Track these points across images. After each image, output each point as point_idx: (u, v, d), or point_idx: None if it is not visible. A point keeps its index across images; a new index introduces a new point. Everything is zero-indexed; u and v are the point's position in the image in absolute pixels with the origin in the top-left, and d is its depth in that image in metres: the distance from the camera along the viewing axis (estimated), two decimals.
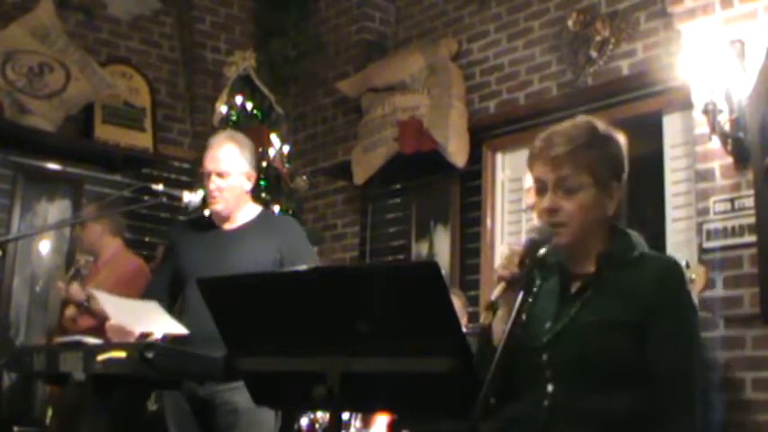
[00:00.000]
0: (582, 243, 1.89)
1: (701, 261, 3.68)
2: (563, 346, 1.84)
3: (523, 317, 1.82)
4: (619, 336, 1.80)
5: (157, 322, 3.03)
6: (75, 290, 4.14)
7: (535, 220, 2.84)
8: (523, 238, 1.94)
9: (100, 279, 4.37)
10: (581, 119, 1.96)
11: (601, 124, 1.95)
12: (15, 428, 4.78)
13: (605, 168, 1.90)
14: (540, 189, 1.90)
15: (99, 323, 4.07)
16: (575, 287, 1.90)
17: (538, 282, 1.95)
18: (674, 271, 1.89)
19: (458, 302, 4.41)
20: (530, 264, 1.81)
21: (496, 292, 1.80)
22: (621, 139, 1.97)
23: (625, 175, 1.96)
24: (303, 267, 3.33)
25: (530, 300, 1.86)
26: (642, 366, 1.79)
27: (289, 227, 3.48)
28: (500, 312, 1.86)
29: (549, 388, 1.83)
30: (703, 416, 1.85)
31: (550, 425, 1.82)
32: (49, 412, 4.45)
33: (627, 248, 1.92)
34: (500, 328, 1.85)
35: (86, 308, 4.14)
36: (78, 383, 2.86)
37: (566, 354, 1.83)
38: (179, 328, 3.03)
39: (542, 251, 1.84)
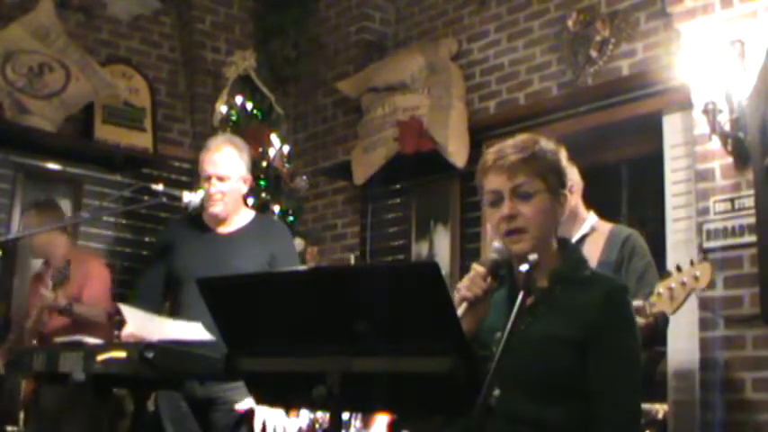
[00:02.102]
0: (540, 253, 1.93)
1: (704, 260, 3.68)
2: (510, 356, 1.86)
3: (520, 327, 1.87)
4: (562, 351, 1.89)
5: (183, 334, 2.98)
6: (61, 297, 4.09)
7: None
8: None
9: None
10: (525, 136, 2.06)
11: (542, 139, 2.05)
12: (8, 428, 4.76)
13: (554, 176, 1.99)
14: (495, 201, 1.98)
15: (72, 322, 4.07)
16: (527, 301, 1.93)
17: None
18: (620, 294, 1.97)
19: None
20: (492, 283, 1.92)
21: (459, 311, 1.86)
22: (562, 152, 2.08)
23: (570, 185, 2.09)
24: (303, 267, 3.34)
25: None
26: (581, 382, 1.88)
27: (280, 232, 3.50)
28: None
29: (496, 392, 1.85)
30: None
31: (486, 428, 1.85)
32: (22, 415, 4.39)
33: (578, 266, 2.02)
34: None
35: (69, 311, 4.11)
36: (76, 384, 2.84)
37: (511, 364, 1.85)
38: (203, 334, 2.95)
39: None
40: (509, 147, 1.99)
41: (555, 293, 1.96)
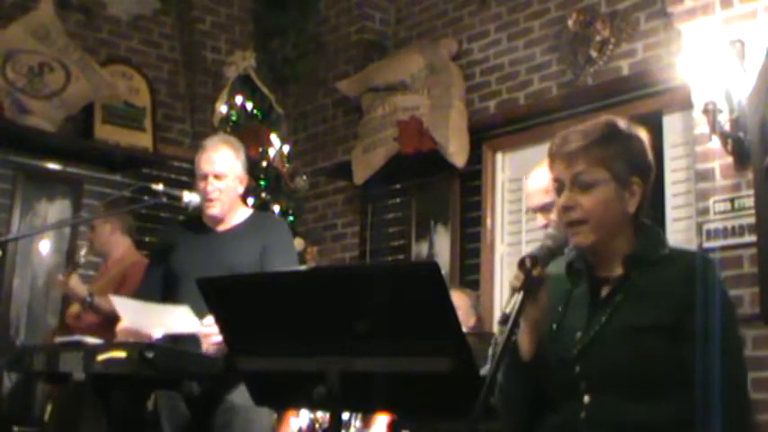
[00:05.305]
0: (606, 243, 1.83)
1: None
2: (595, 355, 1.78)
3: (554, 326, 1.83)
4: (651, 340, 1.74)
5: (176, 323, 2.99)
6: (75, 283, 4.12)
7: (538, 221, 2.84)
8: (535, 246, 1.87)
9: (109, 278, 4.36)
10: (603, 117, 1.92)
11: (622, 121, 1.90)
12: (15, 428, 4.78)
13: (623, 163, 1.83)
14: (559, 189, 1.85)
15: (102, 320, 4.07)
16: (604, 292, 1.85)
17: (568, 288, 1.89)
18: (702, 267, 1.80)
19: (466, 302, 4.38)
20: (540, 272, 1.75)
21: (511, 304, 1.73)
22: (644, 135, 1.90)
23: (651, 173, 1.88)
24: (303, 267, 3.34)
25: (559, 309, 1.86)
26: (679, 369, 1.73)
27: (275, 226, 3.48)
28: (522, 325, 1.82)
29: (586, 399, 1.78)
30: (748, 416, 1.79)
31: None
32: (48, 408, 4.45)
33: (654, 247, 1.85)
34: (525, 341, 1.83)
35: (89, 304, 4.14)
36: (78, 383, 2.85)
37: (598, 364, 1.77)
38: (191, 319, 2.97)
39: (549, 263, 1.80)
40: (575, 132, 1.85)
41: (632, 280, 1.81)
